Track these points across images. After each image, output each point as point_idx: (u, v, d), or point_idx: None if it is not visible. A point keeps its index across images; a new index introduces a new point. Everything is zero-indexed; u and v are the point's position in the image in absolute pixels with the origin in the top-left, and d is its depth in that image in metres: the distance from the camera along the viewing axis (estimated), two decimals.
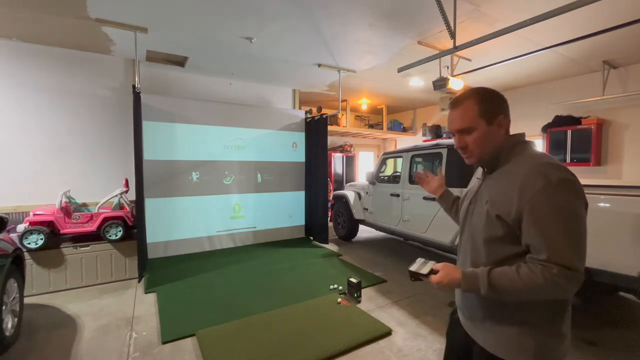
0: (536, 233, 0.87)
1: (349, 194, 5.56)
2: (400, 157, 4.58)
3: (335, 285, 3.48)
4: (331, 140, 8.05)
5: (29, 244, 3.26)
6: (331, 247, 5.27)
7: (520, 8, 2.99)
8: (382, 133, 8.01)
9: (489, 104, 1.01)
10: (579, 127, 4.90)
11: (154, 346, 2.42)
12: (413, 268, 1.04)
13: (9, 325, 2.33)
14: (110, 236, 3.64)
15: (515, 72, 5.06)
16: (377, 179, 4.99)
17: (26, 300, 2.95)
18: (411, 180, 4.23)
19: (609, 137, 4.85)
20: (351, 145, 8.64)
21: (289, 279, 3.76)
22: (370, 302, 3.16)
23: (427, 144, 4.29)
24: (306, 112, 5.82)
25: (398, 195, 4.40)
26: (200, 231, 4.84)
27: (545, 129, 5.30)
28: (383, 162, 5.04)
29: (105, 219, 3.69)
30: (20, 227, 3.33)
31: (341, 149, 8.51)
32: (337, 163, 7.98)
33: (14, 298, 2.46)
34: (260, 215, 5.38)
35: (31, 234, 3.29)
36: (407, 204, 4.23)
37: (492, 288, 0.91)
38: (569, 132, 4.99)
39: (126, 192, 4.05)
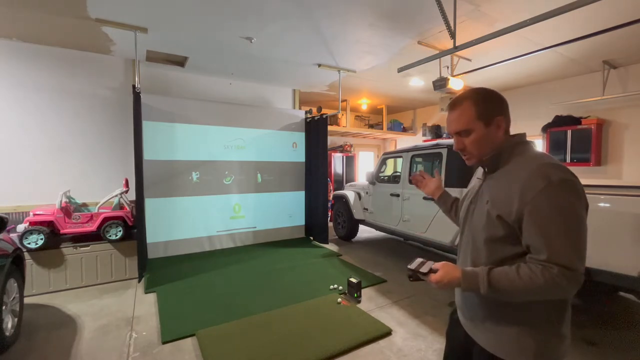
0: (537, 233, 0.87)
1: (349, 194, 5.56)
2: (400, 157, 4.58)
3: (335, 285, 3.48)
4: (331, 140, 8.05)
5: (29, 244, 3.26)
6: (331, 247, 5.27)
7: (520, 8, 2.99)
8: (382, 133, 8.01)
9: (487, 105, 1.01)
10: (579, 127, 4.90)
11: (154, 346, 2.42)
12: (412, 267, 1.03)
13: (9, 325, 2.33)
14: (110, 236, 3.64)
15: (515, 72, 5.06)
16: (377, 179, 4.99)
17: (26, 300, 2.95)
18: (411, 181, 4.23)
19: (609, 137, 4.85)
20: (351, 145, 8.64)
21: (289, 279, 3.76)
22: (370, 302, 3.16)
23: (427, 144, 4.29)
24: (306, 112, 5.82)
25: (398, 195, 4.40)
26: (200, 231, 4.84)
27: (545, 129, 5.30)
28: (383, 162, 5.04)
29: (105, 219, 3.69)
30: (20, 227, 3.33)
31: (341, 149, 8.51)
32: (337, 163, 7.98)
33: (14, 298, 2.46)
34: (260, 215, 5.38)
35: (31, 234, 3.29)
36: (407, 204, 4.23)
37: (491, 287, 0.91)
38: (569, 132, 4.99)
39: (126, 192, 4.05)
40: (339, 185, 7.76)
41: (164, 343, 2.45)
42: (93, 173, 4.31)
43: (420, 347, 2.42)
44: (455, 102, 1.06)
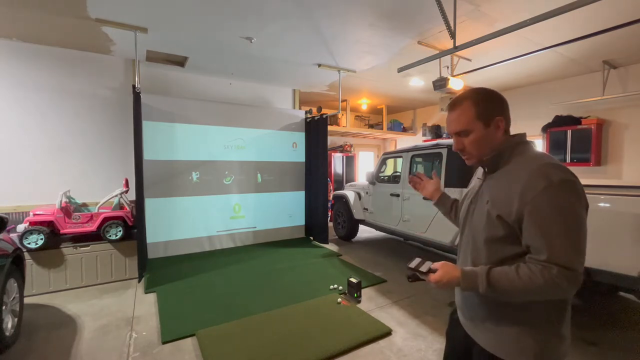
0: (537, 233, 0.87)
1: (349, 194, 5.56)
2: (400, 157, 4.58)
3: (335, 285, 3.48)
4: (331, 140, 8.05)
5: (29, 244, 3.26)
6: (331, 247, 5.27)
7: (520, 8, 2.99)
8: (382, 133, 8.01)
9: (487, 105, 1.01)
10: (579, 127, 4.90)
11: (154, 346, 2.42)
12: (412, 266, 1.03)
13: (9, 325, 2.33)
14: (110, 236, 3.64)
15: (515, 72, 5.06)
16: (377, 179, 4.99)
17: (26, 300, 2.95)
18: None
19: (609, 137, 4.85)
20: (351, 145, 8.64)
21: (289, 279, 3.76)
22: (370, 302, 3.16)
23: (427, 144, 4.29)
24: (306, 112, 5.82)
25: (398, 195, 4.40)
26: (200, 231, 4.84)
27: (545, 129, 5.30)
28: (383, 162, 5.04)
29: (105, 219, 3.69)
30: (20, 227, 3.33)
31: (341, 149, 8.51)
32: (337, 163, 7.98)
33: (14, 298, 2.46)
34: (260, 215, 5.38)
35: (31, 234, 3.29)
36: (407, 204, 4.23)
37: (491, 287, 0.91)
38: (569, 132, 4.99)
39: (126, 192, 4.05)
40: (339, 185, 7.76)
41: (164, 343, 2.45)
42: (93, 173, 4.31)
43: (420, 347, 2.42)
44: (455, 102, 1.06)
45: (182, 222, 4.69)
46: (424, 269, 1.01)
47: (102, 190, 4.20)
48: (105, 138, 4.37)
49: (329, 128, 6.13)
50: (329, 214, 6.13)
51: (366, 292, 3.37)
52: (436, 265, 1.00)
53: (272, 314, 2.86)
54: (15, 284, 2.51)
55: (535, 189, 0.88)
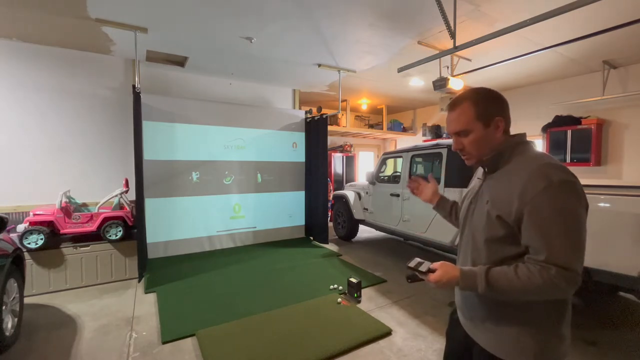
0: (536, 234, 0.87)
1: (349, 194, 5.56)
2: (400, 157, 4.58)
3: (335, 285, 3.48)
4: (331, 140, 8.05)
5: (29, 244, 3.26)
6: (331, 247, 5.27)
7: (520, 8, 2.99)
8: (382, 133, 8.01)
9: (486, 105, 1.01)
10: (579, 127, 4.90)
11: (154, 346, 2.42)
12: (411, 265, 1.03)
13: (9, 325, 2.33)
14: (110, 236, 3.64)
15: (515, 72, 5.06)
16: (377, 179, 4.99)
17: (26, 300, 2.95)
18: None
19: (609, 137, 4.85)
20: (351, 145, 8.64)
21: (289, 279, 3.76)
22: (370, 302, 3.16)
23: (427, 144, 4.29)
24: (306, 112, 5.82)
25: (398, 195, 4.40)
26: (200, 231, 4.84)
27: (545, 129, 5.30)
28: (383, 162, 5.04)
29: (105, 219, 3.69)
30: (20, 227, 3.33)
31: (341, 149, 8.51)
32: (337, 163, 7.98)
33: (14, 298, 2.46)
34: (260, 215, 5.38)
35: (31, 234, 3.29)
36: (407, 204, 4.23)
37: (489, 287, 0.91)
38: (569, 132, 4.99)
39: (126, 192, 4.05)
40: (339, 185, 7.76)
41: (164, 343, 2.45)
42: (93, 173, 4.31)
43: (420, 347, 2.42)
44: (455, 102, 1.06)
45: (182, 222, 4.69)
46: (423, 268, 1.01)
47: (102, 190, 4.20)
48: (105, 138, 4.37)
49: (329, 128, 6.13)
50: (329, 214, 6.13)
51: (366, 292, 3.37)
52: (435, 265, 1.00)
53: (272, 314, 2.86)
54: (15, 284, 2.51)
55: (535, 189, 0.88)
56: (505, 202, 0.94)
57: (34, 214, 3.46)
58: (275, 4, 3.00)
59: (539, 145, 5.41)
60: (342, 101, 7.19)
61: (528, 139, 1.04)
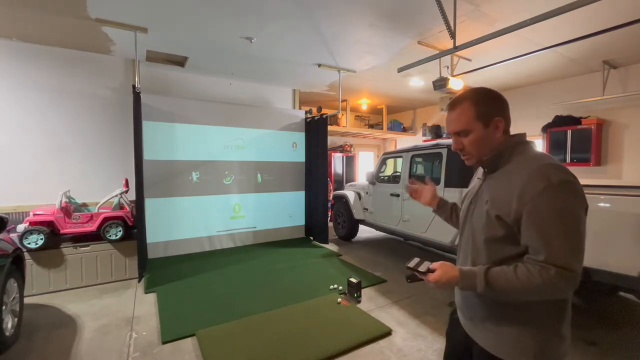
0: (536, 234, 0.87)
1: (349, 194, 5.56)
2: (400, 157, 4.58)
3: (335, 285, 3.48)
4: (331, 140, 8.05)
5: (29, 244, 3.26)
6: (331, 247, 5.27)
7: (520, 8, 2.99)
8: (382, 133, 8.01)
9: (486, 106, 1.01)
10: (579, 127, 4.90)
11: (154, 346, 2.42)
12: (411, 265, 1.03)
13: (9, 325, 2.33)
14: (110, 236, 3.64)
15: (515, 72, 5.06)
16: (377, 179, 4.99)
17: (26, 300, 2.94)
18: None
19: (609, 137, 4.85)
20: (351, 145, 8.64)
21: (289, 279, 3.76)
22: (370, 302, 3.16)
23: (427, 144, 4.29)
24: (306, 112, 5.82)
25: (398, 195, 4.40)
26: (200, 231, 4.84)
27: (545, 129, 5.30)
28: (383, 162, 5.04)
29: (105, 219, 3.69)
30: (20, 227, 3.33)
31: (341, 149, 8.51)
32: (337, 163, 7.98)
33: (14, 298, 2.46)
34: (260, 215, 5.38)
35: (31, 234, 3.29)
36: (407, 204, 4.22)
37: (489, 287, 0.91)
38: (569, 132, 4.99)
39: (126, 192, 4.05)
40: (339, 185, 7.76)
41: (164, 343, 2.45)
42: (93, 173, 4.31)
43: (420, 347, 2.42)
44: (455, 103, 1.06)
45: (182, 222, 4.69)
46: (422, 268, 1.01)
47: (102, 190, 4.20)
48: (105, 138, 4.37)
49: (329, 128, 6.13)
50: (329, 214, 6.13)
51: (366, 292, 3.37)
52: (435, 265, 1.00)
53: (272, 314, 2.86)
54: (15, 284, 2.51)
55: (534, 190, 0.88)
56: (505, 202, 0.94)
57: (34, 214, 3.46)
58: (275, 4, 3.00)
59: (539, 145, 5.41)
60: (342, 101, 7.19)
61: (528, 139, 1.04)
